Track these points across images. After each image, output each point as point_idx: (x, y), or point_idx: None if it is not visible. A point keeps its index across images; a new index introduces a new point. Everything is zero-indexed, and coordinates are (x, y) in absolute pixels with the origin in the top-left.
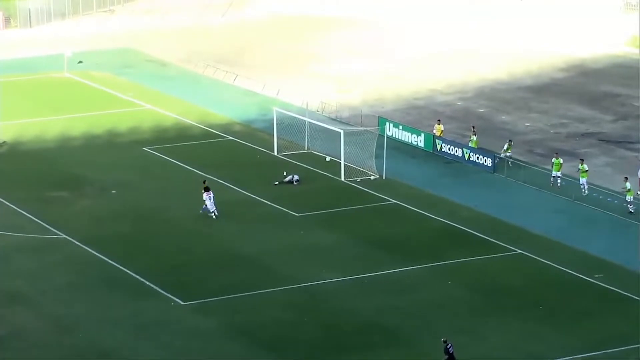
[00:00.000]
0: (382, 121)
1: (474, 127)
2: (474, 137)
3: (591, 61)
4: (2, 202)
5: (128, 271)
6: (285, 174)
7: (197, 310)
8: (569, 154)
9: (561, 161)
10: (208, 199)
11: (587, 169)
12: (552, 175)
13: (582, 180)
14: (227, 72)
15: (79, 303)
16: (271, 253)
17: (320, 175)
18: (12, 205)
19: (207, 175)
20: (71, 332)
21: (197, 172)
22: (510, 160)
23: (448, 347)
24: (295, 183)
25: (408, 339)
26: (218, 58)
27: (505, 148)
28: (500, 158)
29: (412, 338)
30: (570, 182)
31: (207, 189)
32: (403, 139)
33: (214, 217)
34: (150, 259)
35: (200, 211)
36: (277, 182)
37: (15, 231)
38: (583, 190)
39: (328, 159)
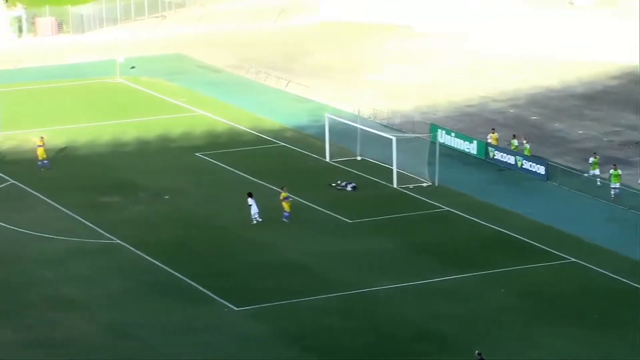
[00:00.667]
0: (434, 128)
1: (524, 136)
2: (527, 145)
3: None
4: (57, 207)
5: (181, 276)
6: (339, 181)
7: (251, 316)
8: (623, 162)
9: (619, 172)
10: (253, 205)
11: (619, 173)
12: (611, 187)
13: (614, 184)
14: (279, 78)
15: (133, 308)
16: (323, 259)
17: (373, 182)
18: (66, 210)
19: (259, 181)
20: (125, 338)
21: (249, 178)
22: (599, 179)
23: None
24: (350, 189)
25: (462, 347)
26: (270, 64)
27: (591, 162)
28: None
29: (466, 346)
30: (625, 190)
31: (250, 195)
32: (455, 146)
33: (254, 222)
34: (203, 265)
35: (254, 221)
36: (333, 184)
37: (70, 236)
38: (613, 194)
39: (359, 158)
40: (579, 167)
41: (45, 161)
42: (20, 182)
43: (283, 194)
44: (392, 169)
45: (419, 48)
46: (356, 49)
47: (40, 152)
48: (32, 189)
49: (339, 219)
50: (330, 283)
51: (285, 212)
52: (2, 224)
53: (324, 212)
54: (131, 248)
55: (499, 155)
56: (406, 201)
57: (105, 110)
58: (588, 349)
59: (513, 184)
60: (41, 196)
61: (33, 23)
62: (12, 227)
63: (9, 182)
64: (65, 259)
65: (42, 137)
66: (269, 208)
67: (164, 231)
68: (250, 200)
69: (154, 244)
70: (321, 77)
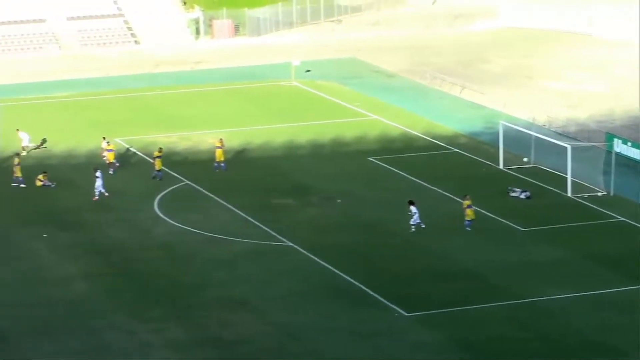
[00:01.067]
0: (610, 137)
1: None
2: None
3: None
4: (230, 208)
5: (352, 280)
6: (514, 189)
7: (421, 322)
8: None
9: None
10: (416, 213)
11: None
12: None
13: None
14: (453, 84)
15: (302, 311)
16: (496, 267)
17: (547, 191)
18: (239, 212)
19: (432, 187)
20: (295, 340)
21: (422, 184)
22: None
23: None
24: (523, 197)
25: None
26: (445, 70)
27: None
28: None
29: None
30: None
31: (412, 203)
32: (631, 156)
33: (413, 230)
34: (374, 269)
35: (413, 229)
36: (510, 192)
37: (243, 237)
38: None
39: (525, 159)
40: None
41: (222, 164)
42: (194, 183)
43: (466, 202)
44: (566, 178)
45: (597, 56)
46: (534, 56)
47: (219, 154)
48: (206, 190)
49: (513, 227)
50: (501, 291)
51: (468, 220)
52: (176, 224)
53: (498, 219)
54: (303, 251)
55: None
56: (580, 210)
57: (279, 113)
58: None
59: None
60: (215, 197)
61: (210, 25)
62: (186, 228)
63: (183, 183)
64: (237, 260)
65: (221, 139)
66: (443, 214)
67: (335, 235)
68: (413, 209)
69: (325, 247)
70: (497, 84)
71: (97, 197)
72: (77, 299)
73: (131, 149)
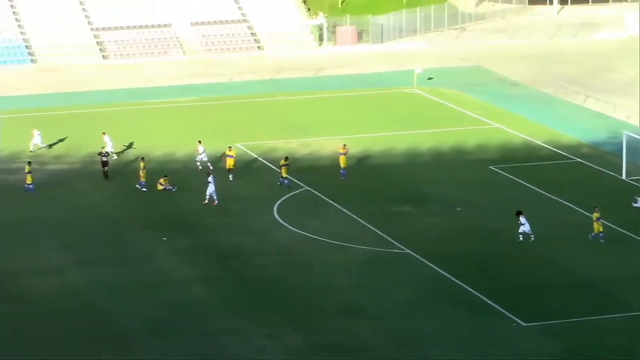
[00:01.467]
0: None
1: None
2: None
3: None
4: (349, 215)
5: (470, 289)
6: (637, 200)
7: (539, 333)
8: None
9: None
10: (525, 223)
11: None
12: None
13: None
14: (577, 93)
15: (420, 318)
16: (616, 278)
17: None
18: (358, 219)
19: (553, 197)
20: (412, 348)
21: (543, 194)
22: None
23: None
24: None
25: None
26: (569, 79)
27: None
28: None
29: None
30: None
31: (520, 213)
32: None
33: (520, 239)
34: (493, 278)
35: (521, 238)
36: (632, 202)
37: (361, 244)
38: None
39: None
40: None
41: (343, 170)
42: (314, 189)
43: (596, 214)
44: None
45: None
46: None
47: (342, 160)
48: (326, 196)
49: (635, 238)
50: (621, 303)
51: (596, 232)
52: (295, 229)
53: (620, 230)
54: (421, 258)
55: None
56: None
57: (401, 120)
58: None
59: None
60: (334, 204)
61: (333, 32)
62: (305, 233)
63: (303, 189)
64: (356, 267)
65: (344, 145)
66: (564, 225)
67: (454, 243)
68: (522, 219)
69: (444, 255)
70: (621, 94)
71: (206, 202)
72: (194, 302)
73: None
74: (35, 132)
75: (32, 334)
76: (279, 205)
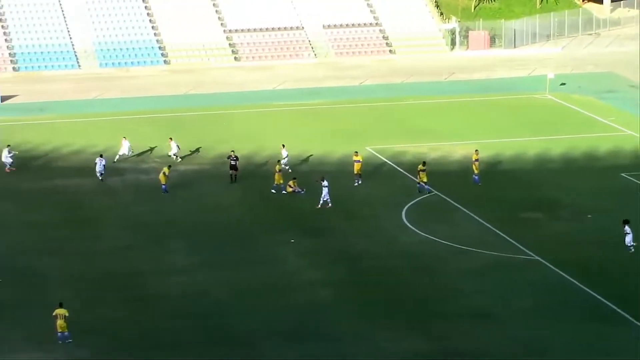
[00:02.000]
0: None
1: None
2: None
3: None
4: (478, 220)
5: (597, 296)
6: None
7: None
8: None
9: None
10: (629, 233)
11: None
12: None
13: None
14: None
15: (547, 326)
16: None
17: None
18: (487, 224)
19: None
20: (536, 355)
21: None
22: None
23: None
24: None
25: None
26: None
27: None
28: None
29: None
30: None
31: (627, 222)
32: None
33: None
34: (622, 287)
35: (632, 249)
36: None
37: (489, 250)
38: None
39: None
40: None
41: (476, 176)
42: (442, 194)
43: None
44: None
45: None
46: None
47: (476, 166)
48: (454, 201)
49: None
50: None
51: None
52: (423, 233)
53: None
54: (549, 265)
55: None
56: None
57: (532, 126)
58: None
59: None
60: (463, 208)
61: (466, 36)
62: (432, 238)
63: (432, 193)
64: (483, 271)
65: (476, 151)
66: None
67: (583, 250)
68: (627, 228)
69: (572, 262)
70: None
71: (319, 206)
72: (320, 305)
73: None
74: (125, 142)
75: (161, 333)
76: (407, 208)
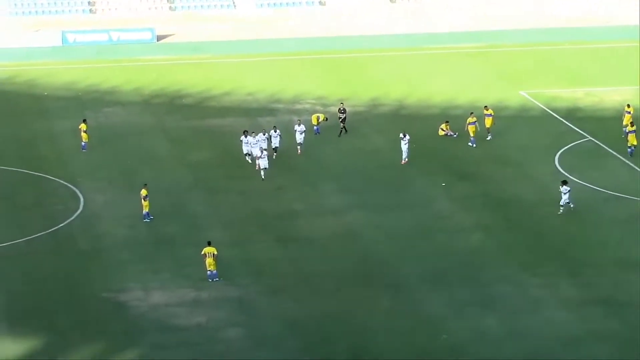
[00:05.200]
0: None
1: None
2: None
3: None
4: (632, 167)
5: None
6: None
7: None
8: None
9: None
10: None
11: None
12: None
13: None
14: None
15: None
16: None
17: None
18: None
19: None
20: None
21: None
22: None
23: None
24: None
25: None
26: None
27: None
28: None
29: None
30: None
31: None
32: None
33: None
34: None
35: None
36: None
37: None
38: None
39: None
40: None
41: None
42: (596, 139)
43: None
44: None
45: None
46: None
47: (627, 119)
48: (609, 147)
49: None
50: None
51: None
52: (576, 180)
53: None
54: None
55: None
56: None
57: None
58: None
59: None
60: (617, 155)
61: None
62: (585, 184)
63: (586, 139)
64: (635, 220)
65: (628, 105)
66: None
67: None
68: (564, 188)
69: None
70: None
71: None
72: (471, 250)
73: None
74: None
75: (313, 274)
76: (560, 154)
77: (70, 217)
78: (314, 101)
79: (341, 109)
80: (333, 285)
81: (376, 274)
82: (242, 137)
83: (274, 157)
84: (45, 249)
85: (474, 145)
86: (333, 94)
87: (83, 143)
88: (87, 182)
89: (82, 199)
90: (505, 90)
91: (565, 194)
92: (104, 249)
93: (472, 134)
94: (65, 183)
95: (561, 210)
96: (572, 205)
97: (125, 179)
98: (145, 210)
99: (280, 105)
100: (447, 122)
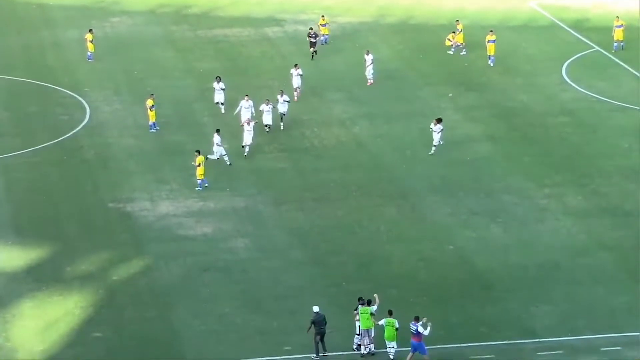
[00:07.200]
0: None
1: None
2: None
3: None
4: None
5: None
6: None
7: None
8: None
9: None
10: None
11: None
12: None
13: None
14: None
15: None
16: None
17: None
18: None
19: None
20: None
21: None
22: None
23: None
24: None
25: None
26: None
27: None
28: None
29: None
30: None
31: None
32: None
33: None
34: None
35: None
36: None
37: None
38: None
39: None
40: None
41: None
42: (604, 50)
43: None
44: None
45: None
46: None
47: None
48: (616, 58)
49: None
50: None
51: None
52: (583, 90)
53: None
54: None
55: None
56: None
57: None
58: None
59: None
60: (625, 65)
61: None
62: (592, 95)
63: (593, 49)
64: None
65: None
66: None
67: None
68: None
69: None
70: None
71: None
72: (478, 160)
73: None
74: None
75: (319, 184)
76: (568, 65)
77: (76, 127)
78: (319, 11)
79: (311, 34)
80: (340, 195)
81: (383, 183)
82: (243, 101)
83: (281, 127)
84: (52, 159)
85: (492, 65)
86: (339, 4)
87: (89, 53)
88: (93, 93)
89: (88, 109)
90: (514, 1)
91: (438, 133)
92: (110, 159)
93: (491, 52)
94: (72, 93)
95: (432, 151)
96: (441, 142)
97: (131, 89)
98: (152, 120)
99: (287, 16)
100: (453, 32)
